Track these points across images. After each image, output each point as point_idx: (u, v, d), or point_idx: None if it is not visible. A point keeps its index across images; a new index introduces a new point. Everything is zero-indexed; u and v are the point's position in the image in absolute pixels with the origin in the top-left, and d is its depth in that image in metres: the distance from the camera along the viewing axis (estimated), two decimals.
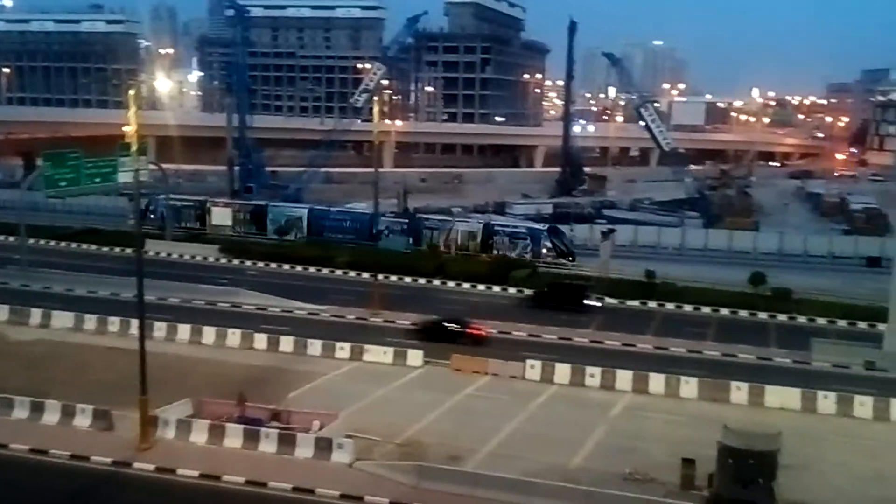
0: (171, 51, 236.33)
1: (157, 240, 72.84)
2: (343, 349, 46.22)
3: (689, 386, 41.66)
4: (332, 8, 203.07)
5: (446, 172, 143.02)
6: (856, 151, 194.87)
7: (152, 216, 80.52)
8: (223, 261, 72.77)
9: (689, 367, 44.46)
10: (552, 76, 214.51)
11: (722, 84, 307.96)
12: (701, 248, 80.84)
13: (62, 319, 50.54)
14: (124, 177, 56.71)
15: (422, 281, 65.75)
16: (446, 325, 49.89)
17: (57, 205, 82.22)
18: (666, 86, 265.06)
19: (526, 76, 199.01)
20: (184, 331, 48.48)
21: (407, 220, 79.48)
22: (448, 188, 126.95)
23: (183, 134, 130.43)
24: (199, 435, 33.81)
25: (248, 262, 71.53)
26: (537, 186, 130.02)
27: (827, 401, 40.06)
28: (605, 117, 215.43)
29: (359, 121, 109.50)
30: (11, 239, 69.38)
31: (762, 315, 57.72)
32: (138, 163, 35.80)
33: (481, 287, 63.88)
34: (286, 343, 47.08)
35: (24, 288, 58.75)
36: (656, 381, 42.09)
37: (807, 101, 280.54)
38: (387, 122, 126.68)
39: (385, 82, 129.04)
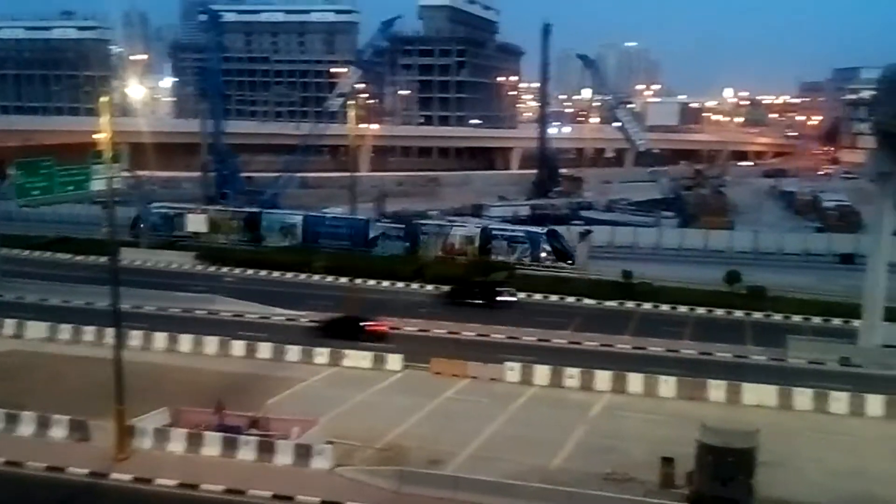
0: (143, 57, 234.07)
1: (133, 248, 72.25)
2: (322, 355, 46.04)
3: (668, 385, 41.87)
4: (307, 12, 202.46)
5: (423, 176, 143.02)
6: (829, 150, 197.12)
7: (143, 225, 79.94)
8: (199, 268, 72.39)
9: (667, 367, 44.69)
10: (527, 78, 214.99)
11: (695, 84, 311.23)
12: (677, 248, 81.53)
13: (36, 330, 50.00)
14: (98, 185, 56.18)
15: (400, 284, 65.71)
16: (348, 321, 50.62)
17: (30, 214, 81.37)
18: (640, 87, 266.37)
19: (501, 79, 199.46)
20: (160, 339, 48.13)
21: (403, 226, 78.85)
22: (425, 191, 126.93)
23: (156, 140, 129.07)
24: (177, 444, 33.52)
25: (225, 269, 71.20)
26: (514, 188, 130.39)
27: (803, 397, 40.41)
28: (581, 119, 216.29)
29: (334, 125, 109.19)
30: None
31: (738, 313, 58.18)
32: (112, 170, 35.52)
33: None
34: (264, 349, 46.87)
35: None
36: (635, 381, 42.28)
37: (779, 101, 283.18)
38: (362, 125, 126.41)
39: (360, 86, 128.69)
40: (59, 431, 34.70)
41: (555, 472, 32.21)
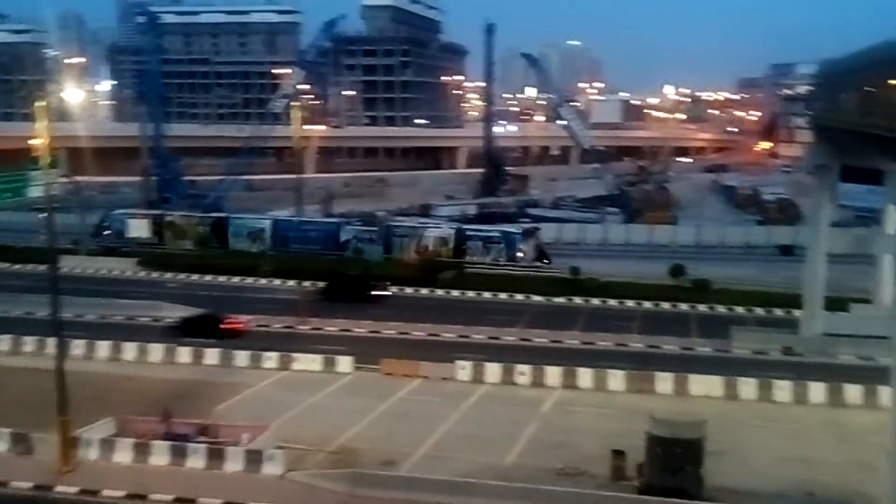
0: (80, 60, 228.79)
1: (72, 255, 70.56)
2: (270, 359, 45.59)
3: (617, 379, 42.40)
4: (247, 13, 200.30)
5: (370, 176, 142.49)
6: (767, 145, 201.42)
7: (107, 233, 77.90)
8: (142, 274, 71.02)
9: (616, 361, 45.18)
10: (472, 78, 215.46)
11: (637, 82, 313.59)
12: (623, 244, 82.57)
13: None
14: (35, 191, 54.65)
15: None
16: (205, 319, 51.06)
17: None
18: (583, 85, 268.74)
19: (446, 78, 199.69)
20: (103, 348, 47.15)
21: (375, 228, 76.87)
22: (372, 192, 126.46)
23: (95, 145, 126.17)
24: (124, 454, 32.85)
25: (169, 275, 69.94)
26: (461, 187, 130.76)
27: (748, 387, 41.26)
28: (526, 117, 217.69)
29: (278, 126, 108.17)
30: None
31: (683, 306, 59.14)
32: (49, 176, 34.68)
33: (408, 290, 63.65)
34: (211, 356, 46.17)
35: None
36: (585, 376, 42.68)
37: (719, 97, 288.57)
38: (307, 127, 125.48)
39: (304, 87, 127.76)
40: (0, 445, 33.71)
41: (508, 469, 32.34)
